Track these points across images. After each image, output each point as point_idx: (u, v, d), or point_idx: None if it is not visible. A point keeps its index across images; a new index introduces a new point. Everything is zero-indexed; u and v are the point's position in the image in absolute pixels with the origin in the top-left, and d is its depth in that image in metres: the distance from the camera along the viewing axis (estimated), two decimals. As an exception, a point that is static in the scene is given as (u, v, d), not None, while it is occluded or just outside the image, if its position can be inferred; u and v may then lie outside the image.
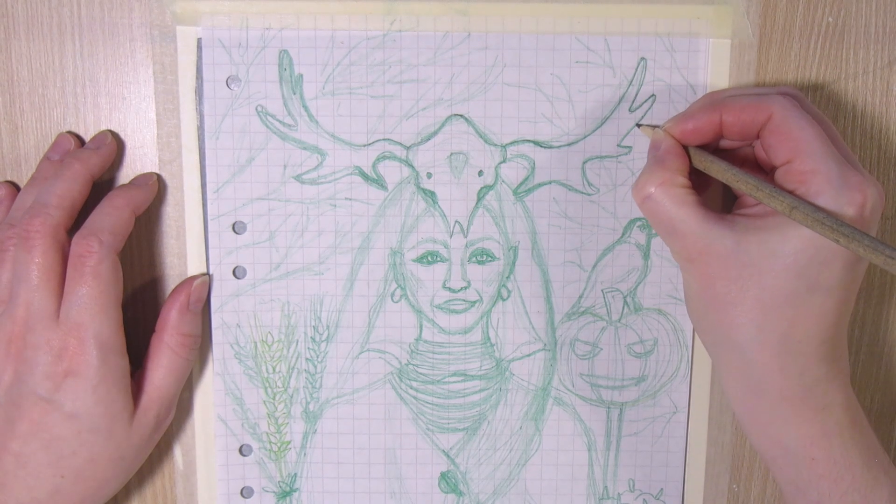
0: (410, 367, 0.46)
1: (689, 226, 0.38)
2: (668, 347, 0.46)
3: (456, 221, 0.45)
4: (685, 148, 0.40)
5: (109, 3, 0.43)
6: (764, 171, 0.40)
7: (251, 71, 0.43)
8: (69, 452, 0.40)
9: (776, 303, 0.37)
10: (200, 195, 0.44)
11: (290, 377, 0.46)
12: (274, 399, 0.46)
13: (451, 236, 0.45)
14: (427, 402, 0.46)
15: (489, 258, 0.45)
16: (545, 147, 0.44)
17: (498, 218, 0.45)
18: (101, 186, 0.43)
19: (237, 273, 0.45)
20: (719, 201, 0.45)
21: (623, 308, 0.46)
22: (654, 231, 0.45)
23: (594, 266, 0.45)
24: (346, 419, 0.46)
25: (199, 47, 0.43)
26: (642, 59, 0.43)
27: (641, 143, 0.44)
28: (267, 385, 0.46)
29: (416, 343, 0.46)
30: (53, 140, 0.43)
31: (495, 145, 0.44)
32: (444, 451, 0.47)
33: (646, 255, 0.45)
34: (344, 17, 0.43)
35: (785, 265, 0.36)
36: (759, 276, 0.37)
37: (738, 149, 0.41)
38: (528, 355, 0.46)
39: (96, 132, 0.44)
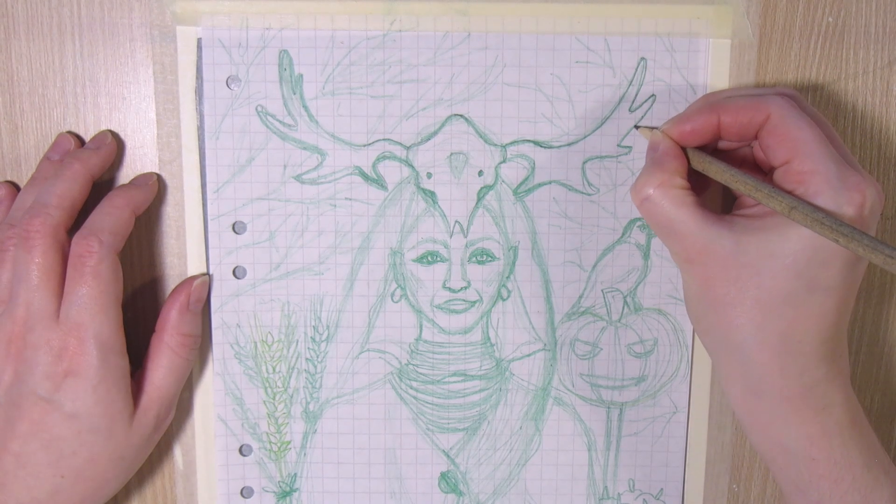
0: (410, 367, 0.46)
1: (688, 227, 0.38)
2: (668, 347, 0.46)
3: (456, 221, 0.45)
4: (683, 149, 0.40)
5: (109, 3, 0.43)
6: (762, 171, 0.40)
7: (251, 71, 0.43)
8: (69, 452, 0.40)
9: (776, 303, 0.37)
10: (200, 195, 0.44)
11: (290, 377, 0.46)
12: (274, 399, 0.46)
13: (451, 236, 0.45)
14: (427, 402, 0.46)
15: (489, 258, 0.45)
16: (545, 147, 0.44)
17: (498, 218, 0.45)
18: (101, 186, 0.43)
19: (237, 273, 0.45)
20: (718, 202, 0.45)
21: (623, 308, 0.46)
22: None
23: (594, 266, 0.45)
24: (346, 419, 0.46)
25: (199, 47, 0.43)
26: (642, 59, 0.43)
27: (641, 144, 0.44)
28: (267, 385, 0.46)
29: (416, 343, 0.46)
30: (53, 140, 0.43)
31: (495, 145, 0.44)
32: (444, 451, 0.47)
33: (646, 255, 0.45)
34: (344, 17, 0.43)
35: (784, 265, 0.36)
36: (758, 277, 0.37)
37: (737, 149, 0.41)
38: (528, 355, 0.46)
39: (96, 132, 0.44)
